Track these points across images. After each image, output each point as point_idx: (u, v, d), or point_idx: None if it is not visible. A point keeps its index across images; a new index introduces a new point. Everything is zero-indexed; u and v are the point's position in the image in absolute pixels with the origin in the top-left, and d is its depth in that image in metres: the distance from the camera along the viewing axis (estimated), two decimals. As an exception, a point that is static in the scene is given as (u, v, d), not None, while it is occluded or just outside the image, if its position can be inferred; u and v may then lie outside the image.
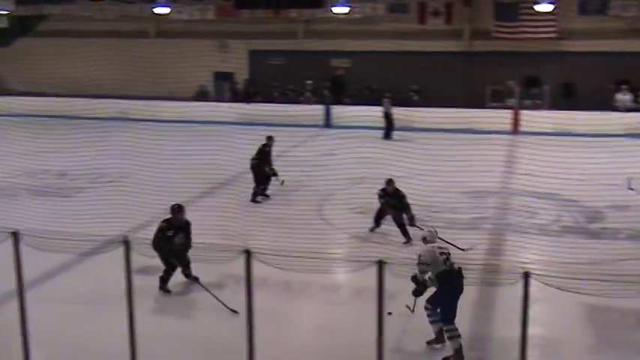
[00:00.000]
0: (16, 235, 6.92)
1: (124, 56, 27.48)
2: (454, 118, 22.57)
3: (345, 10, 24.96)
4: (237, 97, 28.30)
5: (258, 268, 6.52)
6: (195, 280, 9.50)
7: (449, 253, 8.01)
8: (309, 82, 27.43)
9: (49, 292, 9.90)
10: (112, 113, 26.09)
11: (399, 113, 23.23)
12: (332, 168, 15.51)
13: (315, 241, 10.80)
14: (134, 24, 28.98)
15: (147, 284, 9.44)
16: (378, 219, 12.31)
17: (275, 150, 15.54)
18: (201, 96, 28.30)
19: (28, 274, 7.28)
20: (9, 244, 6.91)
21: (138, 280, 7.12)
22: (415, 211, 11.95)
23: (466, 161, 15.93)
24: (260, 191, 15.03)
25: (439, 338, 7.97)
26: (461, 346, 7.65)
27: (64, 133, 18.88)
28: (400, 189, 12.03)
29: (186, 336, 8.45)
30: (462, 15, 26.70)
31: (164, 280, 9.89)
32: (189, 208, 10.35)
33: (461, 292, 7.84)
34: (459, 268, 7.89)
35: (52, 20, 29.80)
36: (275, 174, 15.17)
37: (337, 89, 27.04)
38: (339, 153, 17.33)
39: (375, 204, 12.24)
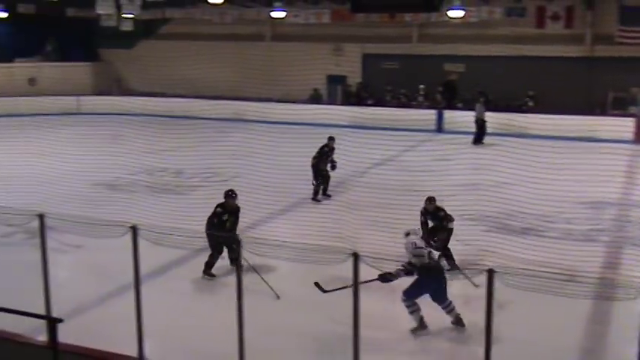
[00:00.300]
0: (134, 230, 7.22)
1: (240, 59, 28.20)
2: (572, 125, 21.78)
3: (461, 14, 24.56)
4: (350, 100, 28.43)
5: (365, 272, 6.51)
6: (241, 266, 9.68)
7: (426, 249, 8.70)
8: (421, 86, 27.21)
9: (164, 285, 10.28)
10: (228, 114, 26.79)
11: (514, 119, 22.65)
12: (443, 174, 15.28)
13: (424, 246, 10.64)
14: (251, 27, 29.66)
15: (257, 280, 9.64)
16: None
17: (385, 154, 15.49)
18: (315, 99, 28.61)
19: (145, 267, 7.56)
20: (128, 237, 7.21)
21: (247, 277, 7.25)
22: (528, 220, 11.60)
23: (584, 170, 15.31)
24: (319, 189, 15.34)
25: (422, 325, 8.62)
26: (422, 317, 8.55)
27: (181, 133, 19.57)
28: (444, 208, 10.91)
29: (293, 330, 8.55)
30: (584, 19, 25.70)
31: (209, 265, 10.29)
32: (299, 209, 10.48)
33: (433, 289, 8.53)
34: (437, 265, 8.78)
35: (173, 23, 30.97)
36: (322, 175, 15.32)
37: (450, 94, 26.67)
38: (452, 159, 17.06)
39: (487, 211, 11.97)
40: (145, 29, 30.80)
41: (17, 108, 27.85)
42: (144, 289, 7.43)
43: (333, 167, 15.48)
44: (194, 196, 15.32)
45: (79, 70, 31.32)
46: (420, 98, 27.26)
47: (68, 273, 11.03)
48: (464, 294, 9.52)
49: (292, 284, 10.06)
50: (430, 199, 11.10)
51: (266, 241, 8.02)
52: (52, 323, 5.21)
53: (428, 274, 8.48)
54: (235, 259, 9.76)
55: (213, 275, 10.41)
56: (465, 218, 13.11)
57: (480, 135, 22.71)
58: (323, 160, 15.39)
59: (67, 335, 5.97)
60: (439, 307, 8.66)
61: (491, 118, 22.94)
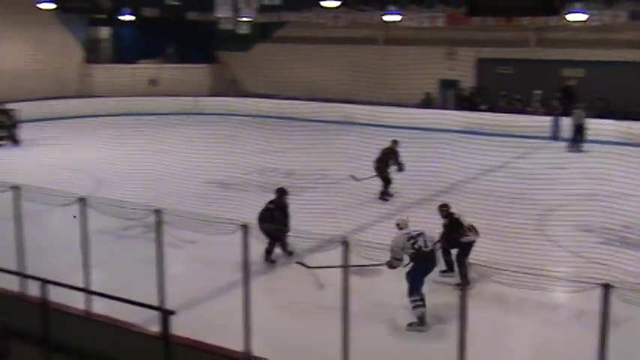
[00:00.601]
0: (246, 228, 7.39)
1: (353, 62, 28.33)
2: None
3: (583, 17, 23.65)
4: (463, 105, 27.98)
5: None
6: (291, 254, 10.60)
7: (418, 236, 9.07)
8: (537, 92, 26.42)
9: (272, 283, 10.49)
10: (338, 117, 26.98)
11: (634, 128, 21.62)
12: (557, 182, 14.80)
13: (534, 256, 10.35)
14: (364, 31, 29.73)
15: (362, 284, 9.64)
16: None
17: (497, 161, 15.14)
18: (427, 103, 28.35)
19: (255, 265, 7.73)
20: (239, 235, 7.39)
21: (354, 280, 7.27)
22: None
23: None
24: (386, 190, 15.54)
25: (421, 321, 8.90)
26: (423, 314, 8.85)
27: (293, 134, 19.88)
28: (456, 215, 10.32)
29: (400, 335, 8.50)
30: None
31: (269, 252, 11.18)
32: (407, 213, 10.38)
33: (431, 270, 9.14)
34: (431, 250, 9.11)
35: (288, 27, 31.48)
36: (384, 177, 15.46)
37: (568, 100, 25.73)
38: (567, 167, 16.49)
39: (604, 222, 11.49)
40: (261, 32, 31.46)
41: (139, 107, 29.14)
42: (253, 286, 7.60)
43: (400, 169, 15.59)
44: (303, 197, 15.50)
45: (197, 72, 32.41)
46: (536, 104, 26.47)
47: (181, 267, 11.42)
48: (577, 307, 9.19)
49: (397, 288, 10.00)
50: (442, 206, 10.64)
51: (372, 244, 8.02)
52: (165, 315, 5.41)
53: (425, 260, 9.10)
54: (285, 248, 11.30)
55: (273, 261, 11.25)
56: (580, 229, 12.65)
57: (577, 140, 21.91)
58: (384, 163, 15.63)
59: (178, 327, 6.18)
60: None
61: (611, 126, 21.99)
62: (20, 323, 8.31)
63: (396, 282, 9.33)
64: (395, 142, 15.90)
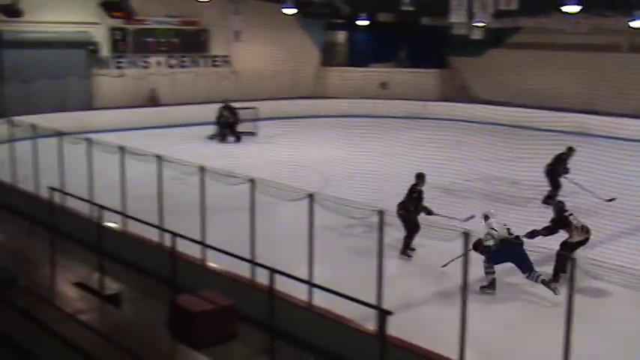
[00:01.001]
0: (466, 236, 7.29)
1: (592, 70, 26.77)
2: None
3: None
4: None
5: None
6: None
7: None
8: None
9: (493, 296, 10.23)
10: (571, 127, 25.62)
11: None
12: None
13: None
14: (606, 37, 27.97)
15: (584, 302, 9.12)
16: None
17: None
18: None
19: (474, 274, 7.60)
20: (459, 242, 7.31)
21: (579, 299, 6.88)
22: None
23: None
24: (553, 195, 15.33)
25: (491, 285, 10.32)
26: (494, 280, 10.33)
27: (521, 143, 19.22)
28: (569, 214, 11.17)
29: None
30: None
31: (407, 245, 11.92)
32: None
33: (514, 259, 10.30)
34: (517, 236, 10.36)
35: (524, 32, 30.50)
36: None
37: None
38: None
39: None
40: (495, 38, 30.82)
41: (369, 110, 29.87)
42: (470, 295, 7.48)
43: (565, 173, 15.91)
44: (528, 209, 14.97)
45: (427, 77, 32.52)
46: None
47: (399, 269, 11.54)
48: None
49: (627, 311, 9.32)
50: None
51: (601, 263, 7.54)
52: (383, 315, 5.49)
53: (505, 247, 10.26)
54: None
55: (411, 252, 12.03)
56: None
57: None
58: (557, 168, 15.84)
59: (392, 327, 6.25)
60: None
61: None
62: (248, 308, 8.91)
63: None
64: (571, 149, 15.98)
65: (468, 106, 30.10)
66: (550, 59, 27.70)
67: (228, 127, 24.75)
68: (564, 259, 9.75)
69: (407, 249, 11.96)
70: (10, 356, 5.24)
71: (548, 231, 10.99)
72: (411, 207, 11.98)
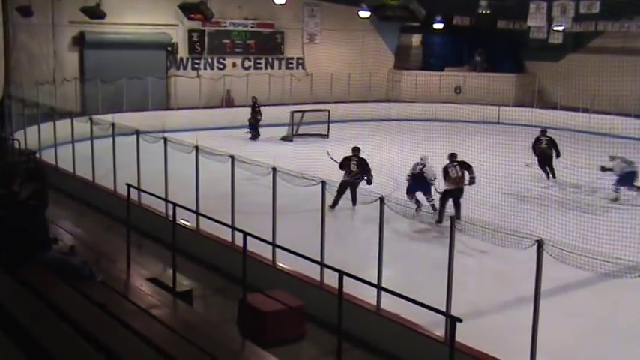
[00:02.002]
0: (540, 244, 7.13)
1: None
2: None
3: None
4: None
5: None
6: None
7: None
8: None
9: (564, 304, 9.99)
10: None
11: None
12: None
13: None
14: (694, 42, 26.94)
15: None
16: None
17: None
18: None
19: (546, 283, 7.44)
20: (532, 250, 7.16)
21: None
22: None
23: None
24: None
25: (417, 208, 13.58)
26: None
27: (599, 151, 18.67)
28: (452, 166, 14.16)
29: None
30: None
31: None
32: None
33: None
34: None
35: (605, 37, 29.63)
36: None
37: None
38: None
39: None
40: (575, 42, 30.07)
41: (443, 114, 29.56)
42: (542, 304, 7.31)
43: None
44: (605, 218, 14.53)
45: (503, 81, 31.96)
46: None
47: (470, 276, 11.37)
48: None
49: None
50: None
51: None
52: (453, 321, 5.42)
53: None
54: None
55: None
56: None
57: None
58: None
59: (461, 334, 6.17)
60: None
61: None
62: (317, 309, 8.95)
63: None
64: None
65: (544, 111, 29.40)
66: (633, 64, 26.78)
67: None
68: (442, 200, 13.99)
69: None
70: (87, 347, 5.40)
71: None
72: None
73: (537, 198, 16.53)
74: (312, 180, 10.02)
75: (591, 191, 17.19)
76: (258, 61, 30.52)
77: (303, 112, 25.85)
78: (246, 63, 30.20)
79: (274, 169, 10.53)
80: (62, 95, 24.18)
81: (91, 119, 16.21)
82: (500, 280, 11.28)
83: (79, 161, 16.43)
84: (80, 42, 26.06)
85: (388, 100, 31.67)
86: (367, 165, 15.46)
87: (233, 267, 10.06)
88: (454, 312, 7.00)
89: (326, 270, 8.97)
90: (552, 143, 18.96)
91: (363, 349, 8.56)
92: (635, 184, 16.59)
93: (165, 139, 13.19)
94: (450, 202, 13.89)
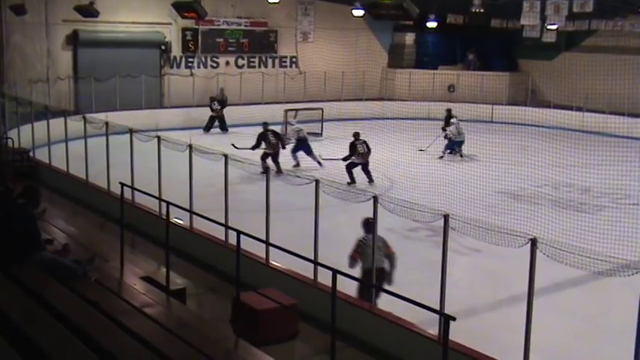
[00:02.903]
0: (534, 242, 7.14)
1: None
2: None
3: None
4: None
5: None
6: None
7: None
8: None
9: (557, 302, 10.02)
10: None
11: None
12: None
13: None
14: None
15: None
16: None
17: None
18: None
19: (539, 282, 7.45)
20: (526, 248, 7.17)
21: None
22: None
23: None
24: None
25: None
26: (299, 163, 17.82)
27: (594, 150, 18.74)
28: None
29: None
30: None
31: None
32: None
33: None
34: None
35: (598, 35, 29.70)
36: None
37: None
38: None
39: None
40: (568, 41, 30.13)
41: (436, 112, 29.56)
42: (535, 303, 7.33)
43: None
44: (599, 217, 14.59)
45: (496, 80, 32.01)
46: None
47: (464, 274, 11.40)
48: None
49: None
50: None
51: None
52: (447, 320, 5.43)
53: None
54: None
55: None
56: None
57: None
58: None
59: (455, 334, 6.18)
60: None
61: None
62: (310, 308, 8.96)
63: None
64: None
65: (537, 110, 29.50)
66: (626, 63, 26.85)
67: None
68: (350, 167, 17.76)
69: None
70: (81, 346, 5.40)
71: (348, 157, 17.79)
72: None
73: (531, 197, 16.57)
74: (306, 178, 10.02)
75: (584, 190, 17.25)
76: (252, 59, 30.48)
77: (296, 110, 25.82)
78: (240, 61, 30.16)
79: (267, 168, 10.52)
80: (56, 94, 24.14)
81: (84, 118, 16.17)
82: (493, 279, 11.31)
83: (72, 160, 16.39)
84: (74, 40, 25.97)
85: (382, 99, 31.69)
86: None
87: (227, 265, 10.06)
88: (448, 310, 7.02)
89: (319, 268, 8.98)
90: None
91: (357, 348, 8.57)
92: (461, 150, 22.08)
93: (158, 138, 13.16)
94: (359, 169, 17.79)
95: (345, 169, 17.71)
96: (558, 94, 29.95)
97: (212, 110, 26.38)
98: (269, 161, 17.95)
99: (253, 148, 18.43)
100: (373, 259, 8.84)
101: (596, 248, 10.24)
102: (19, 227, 7.38)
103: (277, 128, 25.14)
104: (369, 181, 17.70)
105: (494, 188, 16.45)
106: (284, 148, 19.29)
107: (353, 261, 9.27)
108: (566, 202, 16.26)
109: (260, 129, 19.33)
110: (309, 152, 19.80)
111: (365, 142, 18.12)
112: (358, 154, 17.85)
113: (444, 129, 22.86)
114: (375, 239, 8.91)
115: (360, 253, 9.25)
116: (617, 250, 10.46)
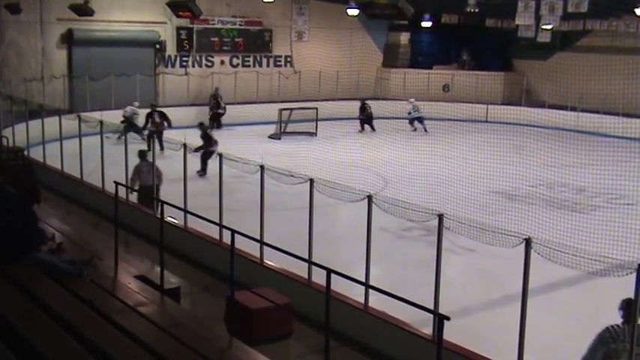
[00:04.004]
0: (528, 242, 7.16)
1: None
2: None
3: None
4: None
5: None
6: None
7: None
8: None
9: (551, 302, 10.04)
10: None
11: None
12: None
13: None
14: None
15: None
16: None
17: None
18: None
19: (534, 281, 7.47)
20: (520, 248, 7.18)
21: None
22: None
23: None
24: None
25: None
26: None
27: (589, 150, 18.80)
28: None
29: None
30: None
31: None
32: None
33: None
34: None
35: (593, 35, 29.76)
36: None
37: None
38: None
39: None
40: (563, 41, 30.19)
41: (431, 112, 29.58)
42: (529, 303, 7.34)
43: None
44: (594, 217, 14.62)
45: (491, 79, 32.06)
46: None
47: (458, 274, 11.42)
48: None
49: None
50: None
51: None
52: (441, 320, 5.43)
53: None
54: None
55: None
56: None
57: None
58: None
59: (449, 333, 6.19)
60: None
61: None
62: (304, 307, 8.95)
63: None
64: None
65: (532, 109, 29.54)
66: (621, 63, 26.91)
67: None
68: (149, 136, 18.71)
69: None
70: (75, 345, 5.39)
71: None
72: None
73: (525, 196, 16.60)
74: (300, 178, 10.01)
75: (579, 190, 17.29)
76: (247, 58, 30.45)
77: (291, 109, 25.83)
78: (235, 61, 30.13)
79: (262, 167, 10.52)
80: (50, 92, 24.07)
81: (79, 116, 16.13)
82: (487, 279, 11.33)
83: (67, 159, 16.35)
84: (68, 39, 25.91)
85: (376, 98, 31.68)
86: None
87: (221, 264, 10.05)
88: (442, 310, 7.02)
89: (314, 268, 8.97)
90: None
91: (351, 347, 8.57)
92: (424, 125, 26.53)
93: (152, 137, 13.14)
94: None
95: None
96: (553, 93, 29.99)
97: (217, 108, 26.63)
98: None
99: (143, 128, 20.94)
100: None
101: (590, 248, 10.27)
102: (14, 226, 7.35)
103: (272, 128, 25.29)
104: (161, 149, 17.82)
105: (489, 188, 16.48)
106: (170, 126, 20.63)
107: (133, 182, 13.24)
108: (560, 202, 16.30)
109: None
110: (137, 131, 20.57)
111: (161, 113, 21.35)
112: (153, 123, 20.51)
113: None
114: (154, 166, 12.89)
115: (137, 175, 13.34)
116: (611, 250, 10.48)
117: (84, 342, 5.47)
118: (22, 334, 5.57)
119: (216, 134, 19.34)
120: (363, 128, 27.49)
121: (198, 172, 16.74)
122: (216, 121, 26.33)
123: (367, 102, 28.27)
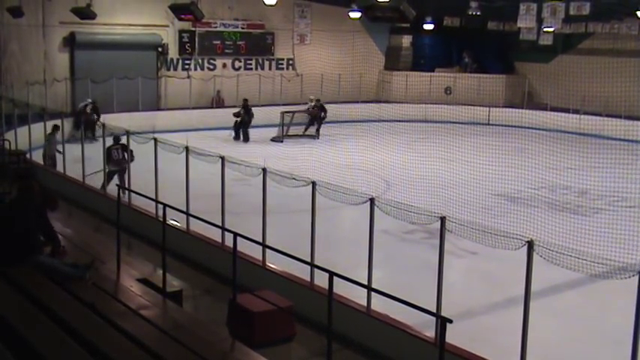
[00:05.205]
0: (530, 245, 7.15)
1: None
2: None
3: None
4: None
5: None
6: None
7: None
8: None
9: (554, 305, 10.02)
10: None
11: None
12: None
13: None
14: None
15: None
16: None
17: None
18: None
19: (536, 284, 7.45)
20: (523, 251, 7.17)
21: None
22: None
23: None
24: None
25: None
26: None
27: (591, 152, 18.77)
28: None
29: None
30: None
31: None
32: None
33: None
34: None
35: (595, 38, 29.76)
36: None
37: None
38: None
39: None
40: (565, 43, 30.18)
41: (433, 115, 29.61)
42: (532, 305, 7.33)
43: None
44: (596, 219, 14.59)
45: (493, 82, 32.05)
46: None
47: (460, 277, 11.40)
48: None
49: None
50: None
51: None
52: (443, 322, 5.42)
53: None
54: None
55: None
56: None
57: None
58: None
59: (451, 336, 6.18)
60: None
61: None
62: (306, 310, 8.94)
63: None
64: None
65: (534, 112, 29.49)
66: (623, 66, 26.89)
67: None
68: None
69: None
70: (77, 348, 5.39)
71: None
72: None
73: (527, 199, 16.58)
74: (303, 181, 10.01)
75: (581, 192, 17.27)
76: (249, 61, 30.48)
77: (293, 112, 25.83)
78: (237, 64, 30.16)
79: (264, 170, 10.52)
80: (53, 96, 24.10)
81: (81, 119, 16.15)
82: (490, 281, 11.31)
83: (69, 162, 16.36)
84: (71, 42, 25.95)
85: (378, 101, 31.69)
86: None
87: (223, 267, 10.04)
88: (444, 313, 7.01)
89: (316, 270, 8.96)
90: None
91: (353, 350, 8.56)
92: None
93: (155, 140, 13.15)
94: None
95: None
96: (555, 96, 29.96)
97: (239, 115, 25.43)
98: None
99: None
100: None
101: (592, 251, 10.25)
102: (17, 229, 7.35)
103: (274, 131, 25.28)
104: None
105: (491, 191, 16.46)
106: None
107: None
108: (562, 204, 16.27)
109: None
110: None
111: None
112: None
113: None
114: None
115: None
116: (613, 253, 10.47)
117: (86, 345, 5.47)
118: (24, 336, 5.56)
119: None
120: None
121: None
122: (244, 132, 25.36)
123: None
